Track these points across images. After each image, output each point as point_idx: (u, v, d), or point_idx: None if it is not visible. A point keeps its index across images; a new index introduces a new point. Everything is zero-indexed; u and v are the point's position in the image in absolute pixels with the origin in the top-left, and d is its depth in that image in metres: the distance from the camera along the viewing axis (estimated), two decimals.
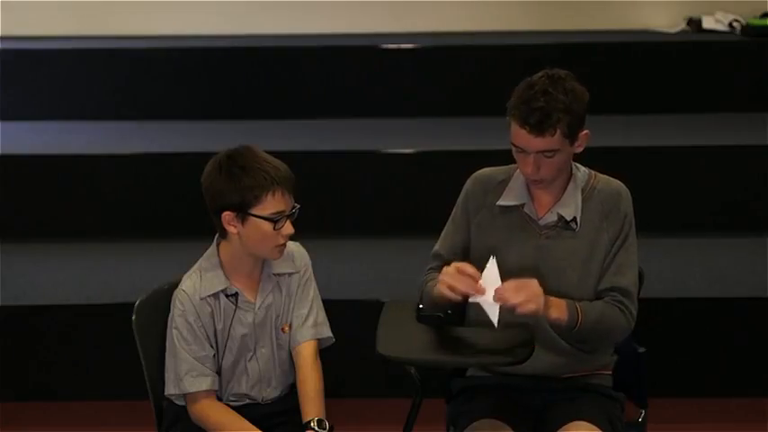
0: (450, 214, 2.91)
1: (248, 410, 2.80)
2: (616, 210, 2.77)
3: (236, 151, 2.69)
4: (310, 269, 2.87)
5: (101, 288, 4.11)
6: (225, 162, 2.66)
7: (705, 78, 5.36)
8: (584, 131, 2.70)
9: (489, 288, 2.61)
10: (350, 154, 4.75)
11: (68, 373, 4.06)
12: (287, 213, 2.68)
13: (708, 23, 5.73)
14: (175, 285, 2.80)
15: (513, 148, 2.69)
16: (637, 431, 2.94)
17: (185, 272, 2.81)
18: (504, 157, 2.81)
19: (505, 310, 2.59)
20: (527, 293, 2.59)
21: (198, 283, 2.76)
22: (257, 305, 2.79)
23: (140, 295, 2.87)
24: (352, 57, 5.43)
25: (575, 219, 2.75)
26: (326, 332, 2.87)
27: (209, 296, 2.75)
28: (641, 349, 2.92)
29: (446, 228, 2.91)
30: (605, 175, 2.84)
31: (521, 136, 2.64)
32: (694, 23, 5.77)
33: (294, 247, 2.83)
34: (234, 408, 2.80)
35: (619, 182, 2.84)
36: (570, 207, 2.75)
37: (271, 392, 2.85)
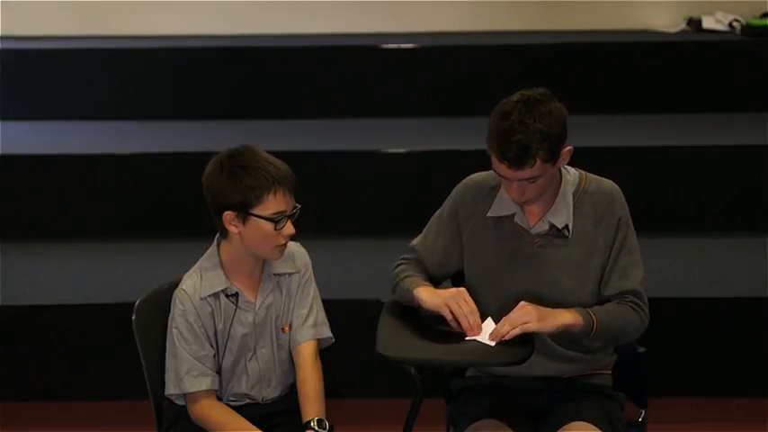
0: None
1: (248, 410, 2.80)
2: (609, 213, 2.74)
3: (238, 151, 2.69)
4: (310, 269, 2.87)
5: (101, 288, 4.11)
6: (226, 162, 2.66)
7: (705, 78, 5.36)
8: (567, 148, 2.65)
9: (485, 331, 2.66)
10: (350, 154, 4.75)
11: (68, 373, 4.06)
12: (288, 213, 2.68)
13: (708, 23, 5.73)
14: (175, 285, 2.80)
15: (496, 173, 2.65)
16: (637, 431, 2.94)
17: (185, 272, 2.81)
18: None
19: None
20: (516, 317, 2.59)
21: (198, 282, 2.76)
22: (257, 305, 2.79)
23: (140, 295, 2.87)
24: (352, 57, 5.43)
25: (567, 226, 2.72)
26: (326, 332, 2.87)
27: (209, 296, 2.75)
28: (641, 349, 2.92)
29: (429, 226, 2.89)
30: (595, 176, 2.80)
31: (501, 168, 2.60)
32: (694, 23, 5.78)
33: (294, 247, 2.83)
34: (234, 408, 2.80)
35: (610, 182, 2.80)
36: (562, 215, 2.72)
37: (271, 392, 2.85)
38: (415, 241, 2.91)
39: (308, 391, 2.78)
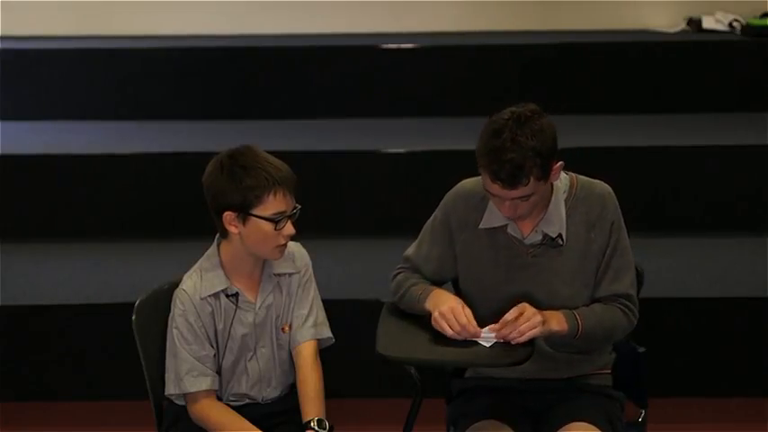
0: None
1: (248, 410, 2.80)
2: (602, 218, 2.72)
3: (238, 151, 2.68)
4: (310, 269, 2.87)
5: (101, 288, 4.11)
6: (226, 162, 2.66)
7: (705, 78, 5.36)
8: (558, 164, 2.63)
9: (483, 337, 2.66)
10: (350, 154, 4.75)
11: (68, 373, 4.06)
12: (288, 214, 2.68)
13: (708, 23, 5.73)
14: (175, 285, 2.80)
15: (487, 192, 2.62)
16: (637, 431, 2.94)
17: (185, 272, 2.81)
18: None
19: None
20: (523, 320, 2.60)
21: (198, 282, 2.76)
22: (257, 305, 2.79)
23: (140, 295, 2.87)
24: (352, 57, 5.43)
25: (560, 235, 2.71)
26: (326, 332, 2.87)
27: (209, 296, 2.75)
28: (641, 349, 2.92)
29: (422, 235, 2.88)
30: (586, 179, 2.78)
31: (494, 188, 2.57)
32: (694, 23, 5.77)
33: (294, 247, 2.83)
34: (234, 408, 2.80)
35: (601, 184, 2.77)
36: (555, 224, 2.70)
37: (271, 392, 2.85)
38: (410, 251, 2.90)
39: (308, 391, 2.78)
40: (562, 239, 2.71)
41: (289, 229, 2.69)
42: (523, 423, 2.77)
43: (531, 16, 5.85)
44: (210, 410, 2.76)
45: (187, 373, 2.74)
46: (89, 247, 4.55)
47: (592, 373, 2.85)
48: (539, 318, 2.61)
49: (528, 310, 2.62)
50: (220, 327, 2.77)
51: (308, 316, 2.84)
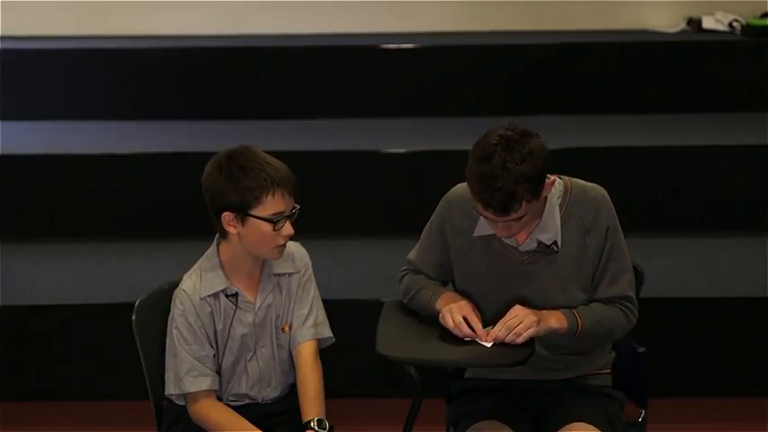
0: None
1: (248, 410, 2.81)
2: (597, 223, 2.70)
3: (236, 151, 2.68)
4: (310, 269, 2.87)
5: (101, 288, 4.11)
6: (225, 162, 2.66)
7: (705, 78, 5.36)
8: (550, 180, 2.61)
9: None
10: (350, 154, 4.74)
11: (68, 373, 4.06)
12: (287, 214, 2.67)
13: (708, 23, 5.72)
14: (175, 285, 2.80)
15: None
16: (637, 431, 2.94)
17: (185, 272, 2.81)
18: None
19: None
20: (513, 323, 2.60)
21: (198, 282, 2.76)
22: (257, 305, 2.79)
23: (140, 295, 2.87)
24: (352, 57, 5.43)
25: (555, 242, 2.69)
26: (327, 332, 2.87)
27: (209, 296, 2.75)
28: (641, 349, 2.92)
29: (422, 240, 2.88)
30: (581, 182, 2.75)
31: (486, 214, 2.55)
32: (694, 23, 5.77)
33: (294, 247, 2.83)
34: (234, 408, 2.80)
35: (596, 188, 2.75)
36: (549, 231, 2.68)
37: (271, 392, 2.85)
38: (412, 255, 2.91)
39: (308, 391, 2.78)
40: (557, 246, 2.70)
41: (288, 229, 2.69)
42: (523, 423, 2.77)
43: (531, 16, 5.85)
44: (210, 410, 2.76)
45: (187, 373, 2.74)
46: (89, 247, 4.55)
47: (592, 374, 2.85)
48: (532, 318, 2.61)
49: (520, 311, 2.62)
50: (220, 327, 2.77)
51: (307, 316, 2.84)
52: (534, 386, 2.81)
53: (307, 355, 2.82)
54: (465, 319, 2.67)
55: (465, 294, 2.79)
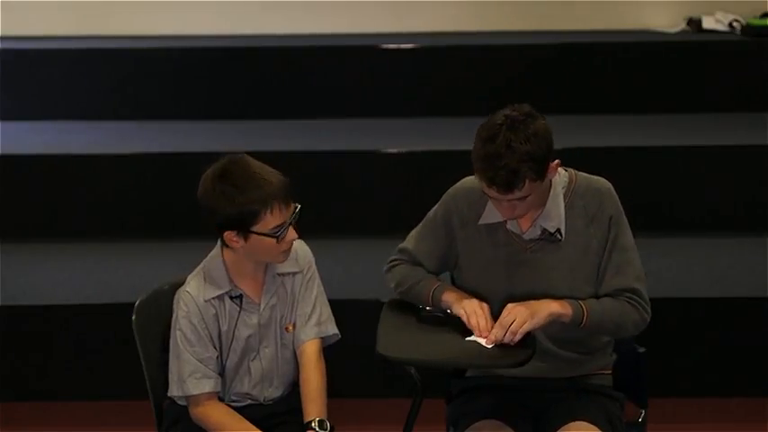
0: None
1: (250, 411, 2.80)
2: (601, 212, 2.72)
3: (228, 170, 2.63)
4: (314, 266, 2.86)
5: (101, 288, 4.11)
6: (218, 182, 2.62)
7: (705, 78, 5.36)
8: (554, 162, 2.63)
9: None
10: (350, 154, 4.74)
11: (68, 373, 4.06)
12: (288, 222, 2.66)
13: (708, 23, 5.72)
14: (176, 285, 2.80)
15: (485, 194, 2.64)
16: (637, 431, 2.94)
17: (185, 272, 2.81)
18: None
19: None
20: (508, 321, 2.60)
21: (202, 284, 2.75)
22: (262, 306, 2.78)
23: (140, 295, 2.87)
24: (352, 57, 5.43)
25: (559, 230, 2.71)
26: (331, 329, 2.87)
27: (213, 298, 2.75)
28: (641, 349, 2.92)
29: (421, 230, 2.88)
30: (586, 174, 2.78)
31: (490, 192, 2.58)
32: (694, 23, 5.77)
33: (297, 244, 2.80)
34: (236, 408, 2.80)
35: (601, 180, 2.77)
36: (553, 219, 2.70)
37: (273, 392, 2.85)
38: (409, 245, 2.89)
39: (310, 390, 2.78)
40: (561, 234, 2.71)
41: (291, 234, 2.68)
42: (524, 423, 2.77)
43: (532, 16, 5.85)
44: (212, 412, 2.76)
45: (190, 375, 2.73)
46: (89, 247, 4.55)
47: (592, 374, 2.85)
48: (525, 313, 2.60)
49: (513, 309, 2.62)
50: (224, 329, 2.77)
51: (311, 314, 2.83)
52: (535, 385, 2.81)
53: (310, 354, 2.82)
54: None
55: (467, 287, 2.79)
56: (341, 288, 3.95)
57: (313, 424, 2.71)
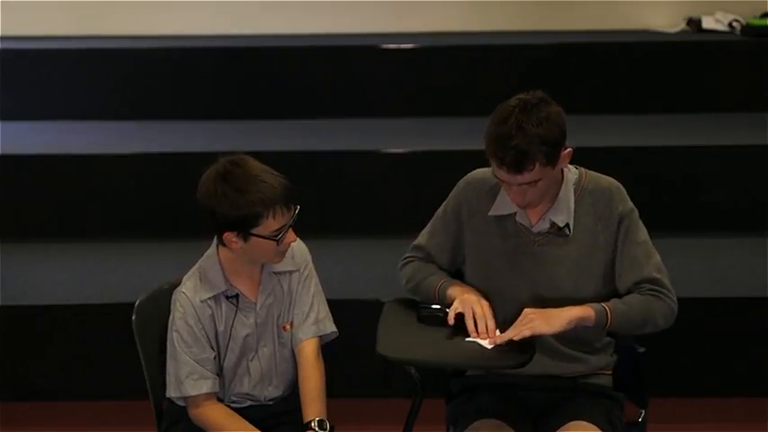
0: None
1: (251, 412, 2.80)
2: (609, 210, 2.74)
3: (230, 171, 2.62)
4: (311, 264, 2.86)
5: (101, 288, 4.11)
6: (220, 184, 2.61)
7: (705, 78, 5.36)
8: (566, 150, 2.65)
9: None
10: (350, 154, 4.74)
11: (68, 373, 4.06)
12: (288, 225, 2.66)
13: (708, 23, 5.73)
14: (175, 285, 2.80)
15: (496, 178, 2.66)
16: (637, 431, 2.94)
17: (185, 272, 2.81)
18: None
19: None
20: (520, 324, 2.61)
21: (198, 284, 2.75)
22: (258, 305, 2.78)
23: (140, 295, 2.87)
24: (352, 57, 5.43)
25: (567, 225, 2.72)
26: (329, 327, 2.87)
27: (209, 298, 2.74)
28: (641, 349, 2.92)
29: (432, 224, 2.90)
30: (596, 173, 2.81)
31: (500, 173, 2.60)
32: (694, 23, 5.77)
33: (293, 243, 2.78)
34: (236, 410, 2.80)
35: (609, 179, 2.79)
36: (563, 213, 2.72)
37: (273, 392, 2.85)
38: (422, 241, 2.91)
39: (310, 390, 2.78)
40: (569, 229, 2.72)
41: (290, 236, 2.68)
42: (523, 422, 2.77)
43: (532, 16, 5.85)
44: (211, 413, 2.76)
45: (187, 376, 2.73)
46: (89, 247, 4.55)
47: (592, 373, 2.85)
48: (541, 322, 2.59)
49: (529, 316, 2.62)
50: (221, 329, 2.77)
51: (308, 313, 2.83)
52: (535, 384, 2.81)
53: (309, 353, 2.82)
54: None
55: (473, 282, 2.80)
56: (341, 288, 3.95)
57: (313, 424, 2.71)
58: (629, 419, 2.91)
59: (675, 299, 2.73)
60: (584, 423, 2.70)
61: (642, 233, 2.76)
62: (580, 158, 2.80)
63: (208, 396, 2.76)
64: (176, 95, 5.40)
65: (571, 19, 5.83)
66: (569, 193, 2.74)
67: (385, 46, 5.46)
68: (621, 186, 2.79)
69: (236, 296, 2.76)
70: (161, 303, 2.81)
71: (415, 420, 2.93)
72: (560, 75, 5.35)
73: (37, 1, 5.73)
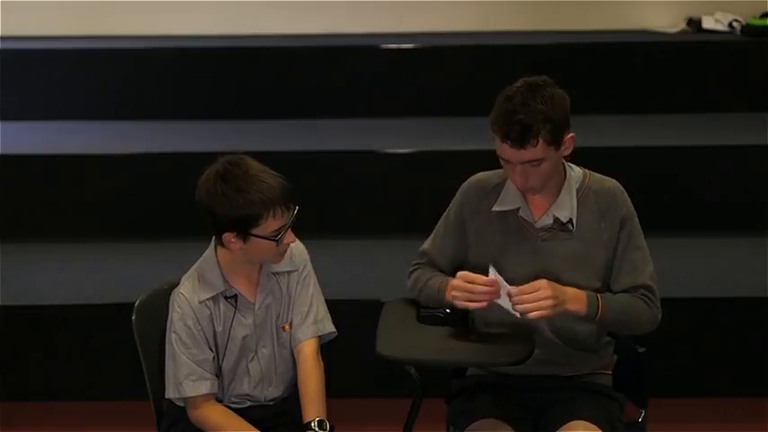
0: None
1: (251, 413, 2.80)
2: (613, 210, 2.76)
3: (230, 171, 2.62)
4: (309, 264, 2.86)
5: (101, 288, 4.11)
6: (220, 184, 2.61)
7: (705, 78, 5.36)
8: (570, 135, 2.69)
9: (501, 291, 2.64)
10: (350, 154, 4.75)
11: (68, 373, 4.06)
12: (288, 225, 2.67)
13: (708, 23, 5.73)
14: (175, 285, 2.80)
15: (501, 160, 2.68)
16: (637, 431, 2.94)
17: (185, 272, 2.80)
18: None
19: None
20: (539, 296, 2.59)
21: (196, 285, 2.75)
22: (257, 306, 2.78)
23: (140, 295, 2.87)
24: (352, 57, 5.43)
25: (570, 220, 2.74)
26: (328, 327, 2.87)
27: (207, 299, 2.74)
28: (641, 349, 2.92)
29: (437, 229, 2.92)
30: (599, 174, 2.83)
31: (504, 149, 2.63)
32: (694, 23, 5.77)
33: (292, 243, 2.78)
34: (236, 410, 2.79)
35: (613, 181, 2.82)
36: (566, 209, 2.75)
37: (273, 392, 2.85)
38: (426, 245, 2.93)
39: (309, 390, 2.78)
40: (572, 225, 2.74)
41: (289, 237, 2.68)
42: (523, 422, 2.77)
43: (532, 17, 5.85)
44: (210, 413, 2.76)
45: (186, 377, 2.73)
46: (89, 247, 4.55)
47: (592, 373, 2.86)
48: (549, 301, 2.59)
49: (543, 287, 2.60)
50: (220, 329, 2.77)
51: (308, 313, 2.83)
52: (535, 384, 2.81)
53: (308, 353, 2.82)
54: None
55: (476, 271, 2.78)
56: (341, 288, 3.95)
57: (312, 424, 2.71)
58: (629, 419, 2.91)
59: (660, 309, 2.77)
60: (584, 423, 2.70)
61: (642, 239, 2.79)
62: (580, 158, 2.80)
63: (207, 397, 2.76)
64: (176, 95, 5.40)
65: (571, 19, 5.83)
66: (572, 190, 2.76)
67: (385, 46, 5.46)
68: (623, 188, 2.81)
69: (235, 296, 2.76)
70: (161, 303, 2.81)
71: (415, 420, 2.93)
72: (560, 75, 5.31)
73: (37, 1, 5.73)
